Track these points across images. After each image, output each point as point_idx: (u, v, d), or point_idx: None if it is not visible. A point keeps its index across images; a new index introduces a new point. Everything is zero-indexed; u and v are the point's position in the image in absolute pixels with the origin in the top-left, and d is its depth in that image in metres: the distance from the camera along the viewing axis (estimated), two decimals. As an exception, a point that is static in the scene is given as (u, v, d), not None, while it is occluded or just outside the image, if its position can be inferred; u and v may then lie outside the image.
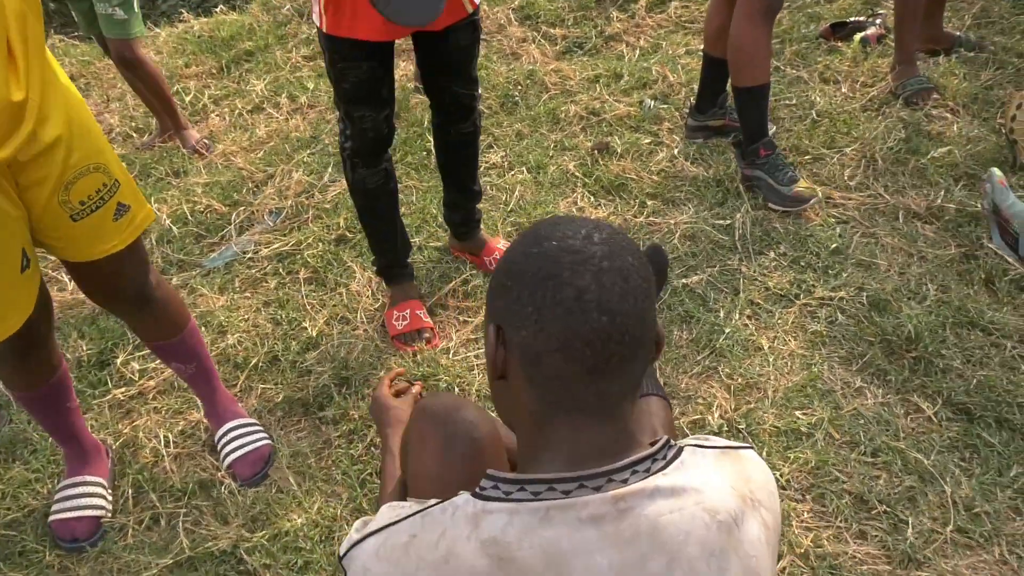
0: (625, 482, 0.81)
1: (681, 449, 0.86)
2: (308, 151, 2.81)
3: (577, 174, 2.55)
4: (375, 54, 1.68)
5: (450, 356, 1.98)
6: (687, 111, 2.72)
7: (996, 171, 2.06)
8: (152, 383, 1.98)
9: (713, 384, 1.85)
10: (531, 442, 0.86)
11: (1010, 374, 1.79)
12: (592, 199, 2.46)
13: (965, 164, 2.36)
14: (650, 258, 2.02)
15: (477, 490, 0.84)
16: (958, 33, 2.99)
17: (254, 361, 2.00)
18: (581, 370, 0.81)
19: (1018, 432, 1.68)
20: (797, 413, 1.75)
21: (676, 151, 2.61)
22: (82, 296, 2.06)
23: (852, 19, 3.18)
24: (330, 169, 2.68)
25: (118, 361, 2.04)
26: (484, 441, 1.14)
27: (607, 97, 2.91)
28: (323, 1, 1.62)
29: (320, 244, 2.36)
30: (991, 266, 2.03)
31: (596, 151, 2.64)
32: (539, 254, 0.82)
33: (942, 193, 2.27)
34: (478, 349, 2.01)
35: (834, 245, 2.16)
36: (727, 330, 1.95)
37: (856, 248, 2.16)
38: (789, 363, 1.87)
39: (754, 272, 2.12)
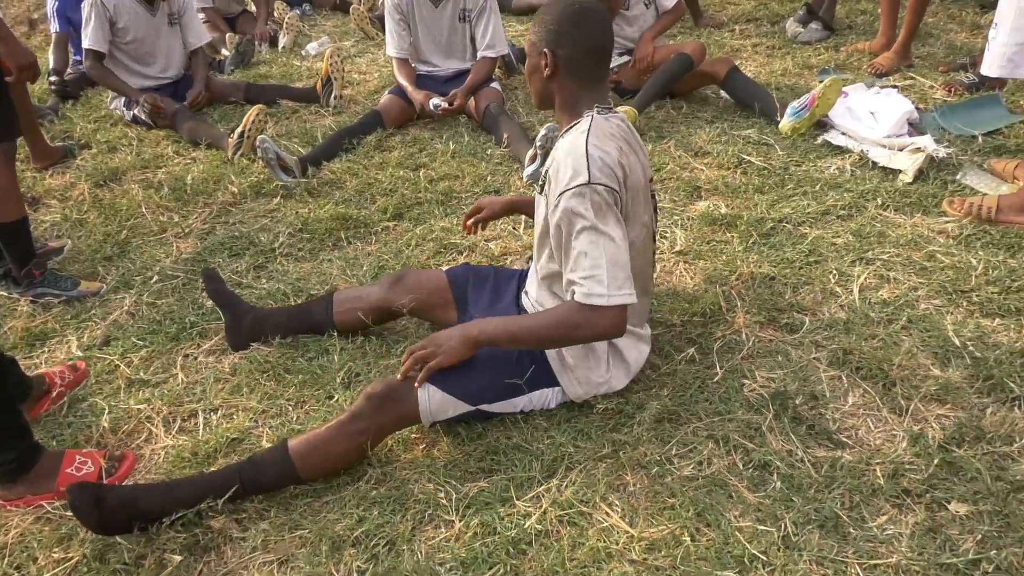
0: (610, 109, 1.80)
1: None
2: None
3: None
4: None
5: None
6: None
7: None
8: None
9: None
10: (573, 103, 1.77)
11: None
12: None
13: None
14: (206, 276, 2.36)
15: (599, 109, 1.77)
16: None
17: None
18: (600, 62, 1.76)
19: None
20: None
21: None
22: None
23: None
24: None
25: None
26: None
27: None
28: None
29: None
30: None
31: (103, 345, 2.42)
32: (570, 8, 1.71)
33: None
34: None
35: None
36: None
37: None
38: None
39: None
